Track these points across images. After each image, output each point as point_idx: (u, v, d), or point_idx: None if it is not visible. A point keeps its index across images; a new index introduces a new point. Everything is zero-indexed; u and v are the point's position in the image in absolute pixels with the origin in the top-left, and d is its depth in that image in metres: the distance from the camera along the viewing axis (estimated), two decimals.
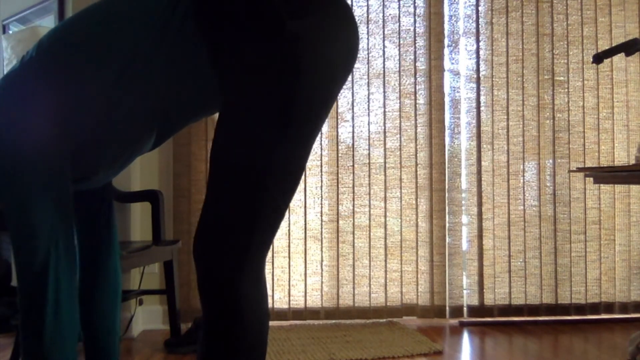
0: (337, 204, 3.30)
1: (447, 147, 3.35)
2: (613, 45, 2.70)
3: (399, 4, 3.35)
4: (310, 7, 1.15)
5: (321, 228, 3.29)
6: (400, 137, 3.33)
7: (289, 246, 3.27)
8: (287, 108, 1.13)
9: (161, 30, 1.19)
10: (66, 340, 1.11)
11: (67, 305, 1.16)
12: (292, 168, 1.16)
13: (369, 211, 3.31)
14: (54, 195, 1.18)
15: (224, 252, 1.14)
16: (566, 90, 3.38)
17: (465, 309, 3.33)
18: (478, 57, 3.35)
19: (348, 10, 1.21)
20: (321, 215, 3.29)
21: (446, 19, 3.36)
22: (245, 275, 1.14)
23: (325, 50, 1.15)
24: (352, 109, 3.31)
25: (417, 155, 3.34)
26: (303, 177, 3.26)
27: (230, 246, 1.14)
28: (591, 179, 2.72)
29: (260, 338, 1.18)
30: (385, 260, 3.31)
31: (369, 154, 3.32)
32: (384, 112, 3.33)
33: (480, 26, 3.36)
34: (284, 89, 1.12)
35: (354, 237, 3.30)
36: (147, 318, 3.20)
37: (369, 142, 3.32)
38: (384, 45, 3.34)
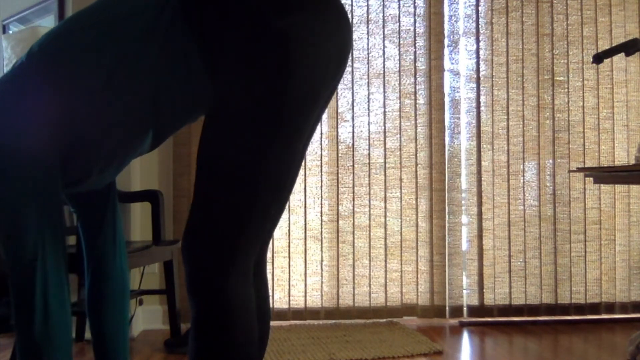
0: (337, 204, 3.30)
1: (447, 147, 3.35)
2: (613, 45, 2.70)
3: (399, 4, 3.35)
4: (296, 5, 1.13)
5: (321, 228, 3.29)
6: (400, 137, 3.33)
7: (289, 246, 3.27)
8: (275, 108, 1.11)
9: (150, 31, 1.19)
10: (56, 341, 1.12)
11: (56, 307, 1.16)
12: (282, 168, 1.15)
13: (369, 211, 3.31)
14: (42, 198, 1.19)
15: (210, 252, 1.13)
16: (566, 90, 3.38)
17: (465, 309, 3.33)
18: (478, 57, 3.35)
19: (340, 8, 1.19)
20: (321, 215, 3.29)
21: (446, 19, 3.36)
22: (232, 276, 1.13)
23: (315, 49, 1.14)
24: (352, 109, 3.31)
25: (417, 155, 3.34)
26: (303, 177, 3.25)
27: (217, 246, 1.13)
28: (591, 179, 2.72)
29: (250, 339, 1.16)
30: (385, 260, 3.31)
31: (369, 154, 3.32)
32: (384, 112, 3.33)
33: (480, 26, 3.36)
34: (272, 88, 1.11)
35: (354, 237, 3.30)
36: (147, 318, 3.20)
37: (369, 142, 3.32)
38: (384, 45, 3.34)
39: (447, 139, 3.35)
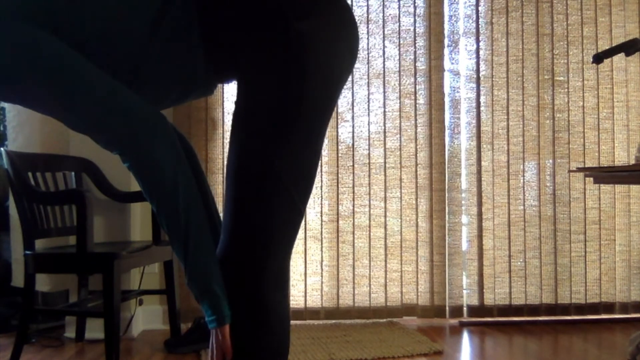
0: (337, 204, 3.30)
1: (447, 147, 3.35)
2: (613, 45, 2.70)
3: (399, 4, 3.35)
4: (314, 8, 1.17)
5: (321, 228, 3.29)
6: (400, 137, 3.33)
7: None
8: (295, 108, 1.14)
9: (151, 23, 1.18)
10: (203, 240, 1.16)
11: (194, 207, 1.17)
12: (305, 166, 1.18)
13: (369, 211, 3.31)
14: (166, 131, 1.18)
15: (243, 257, 1.15)
16: (566, 90, 3.38)
17: (465, 309, 3.33)
18: (478, 57, 3.35)
19: (349, 11, 1.24)
20: (321, 215, 3.29)
21: (446, 19, 3.36)
22: (267, 280, 1.14)
23: (329, 51, 1.17)
24: (352, 109, 3.31)
25: (417, 155, 3.34)
26: None
27: (250, 250, 1.14)
28: (591, 179, 2.72)
29: (285, 345, 1.18)
30: (385, 260, 3.31)
31: (369, 154, 3.32)
32: (384, 112, 3.33)
33: (480, 26, 3.36)
34: (292, 90, 1.14)
35: (354, 237, 3.30)
36: (147, 318, 3.20)
37: (369, 142, 3.32)
38: (384, 45, 3.34)
39: (447, 139, 3.35)
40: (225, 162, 1.18)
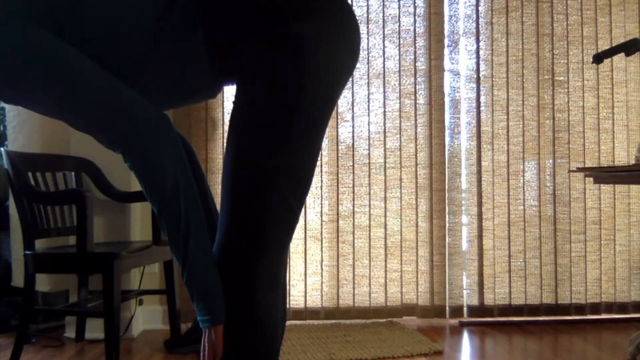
0: (337, 204, 3.30)
1: (447, 147, 3.35)
2: (613, 45, 2.70)
3: (399, 4, 3.34)
4: (314, 10, 1.17)
5: (321, 228, 3.29)
6: (400, 137, 3.33)
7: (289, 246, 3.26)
8: (292, 110, 1.14)
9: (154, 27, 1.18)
10: (202, 240, 1.16)
11: (193, 210, 1.19)
12: (301, 167, 1.18)
13: (369, 211, 3.31)
14: (171, 139, 1.18)
15: (236, 256, 1.14)
16: (566, 90, 3.38)
17: (465, 309, 3.33)
18: (478, 57, 3.35)
19: (350, 12, 1.24)
20: (321, 215, 3.29)
21: (446, 19, 3.36)
22: (260, 280, 1.14)
23: (329, 53, 1.18)
24: (352, 109, 3.31)
25: (417, 155, 3.34)
26: None
27: (242, 250, 1.14)
28: (591, 179, 2.72)
29: (274, 346, 1.18)
30: (385, 260, 3.31)
31: (369, 154, 3.32)
32: (384, 112, 3.33)
33: (480, 26, 3.36)
34: (289, 91, 1.14)
35: (354, 237, 3.30)
36: (147, 318, 3.20)
37: (369, 142, 3.32)
38: (384, 45, 3.34)
39: (447, 139, 3.35)
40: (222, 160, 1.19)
